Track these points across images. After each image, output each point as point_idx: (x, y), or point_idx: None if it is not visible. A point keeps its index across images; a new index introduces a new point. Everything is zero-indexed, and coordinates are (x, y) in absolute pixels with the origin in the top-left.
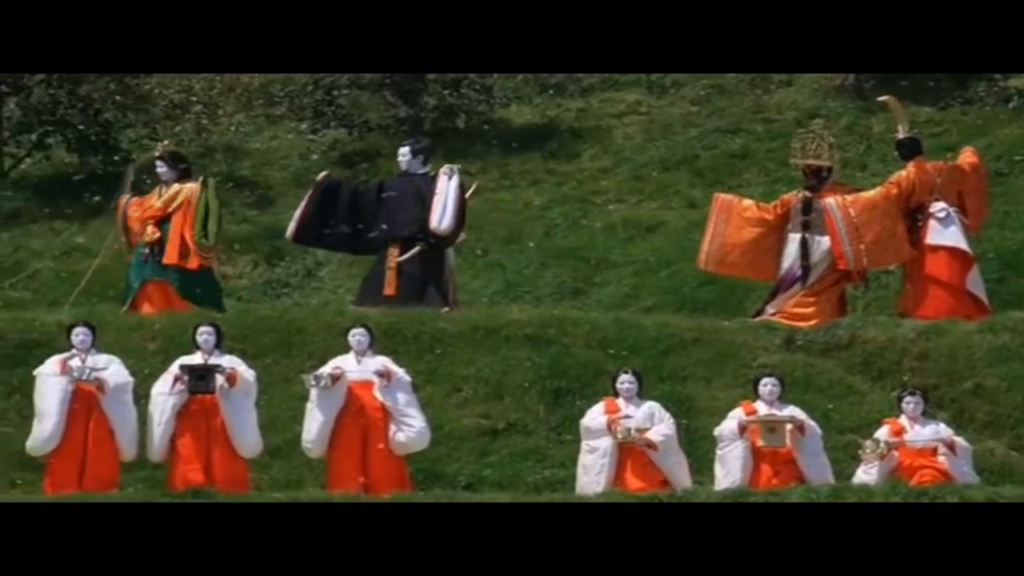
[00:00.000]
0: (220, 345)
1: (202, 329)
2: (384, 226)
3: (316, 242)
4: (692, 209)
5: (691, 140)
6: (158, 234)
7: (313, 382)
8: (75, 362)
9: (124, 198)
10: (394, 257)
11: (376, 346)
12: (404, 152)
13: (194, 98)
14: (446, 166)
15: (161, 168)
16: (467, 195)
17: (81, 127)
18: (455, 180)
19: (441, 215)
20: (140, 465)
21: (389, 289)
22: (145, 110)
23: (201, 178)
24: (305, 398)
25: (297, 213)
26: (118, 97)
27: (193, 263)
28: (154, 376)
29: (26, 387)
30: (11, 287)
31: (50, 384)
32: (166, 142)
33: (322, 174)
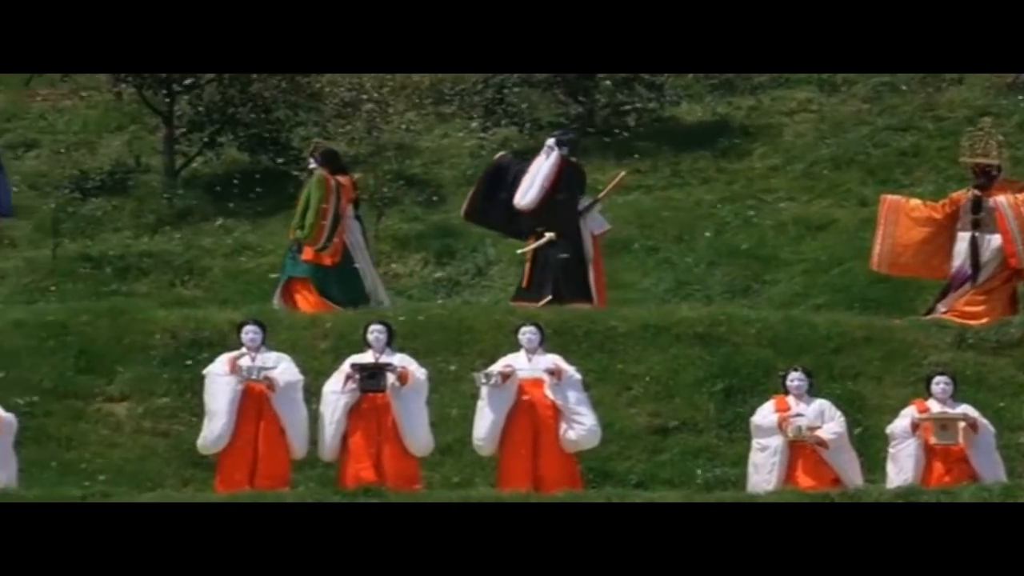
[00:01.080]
0: (391, 343)
1: (373, 327)
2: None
3: (481, 220)
4: (863, 207)
5: (862, 138)
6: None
7: (484, 380)
8: (245, 361)
9: None
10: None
11: (546, 344)
12: (550, 143)
13: (365, 96)
14: (551, 140)
15: (312, 165)
16: (611, 186)
17: (252, 126)
18: (552, 158)
19: (526, 190)
20: (311, 463)
21: (524, 282)
22: (316, 108)
23: (312, 166)
24: (476, 396)
25: (471, 191)
26: (289, 96)
27: (327, 260)
28: (325, 374)
29: (197, 386)
30: (182, 285)
31: (220, 383)
32: (317, 140)
33: (499, 153)
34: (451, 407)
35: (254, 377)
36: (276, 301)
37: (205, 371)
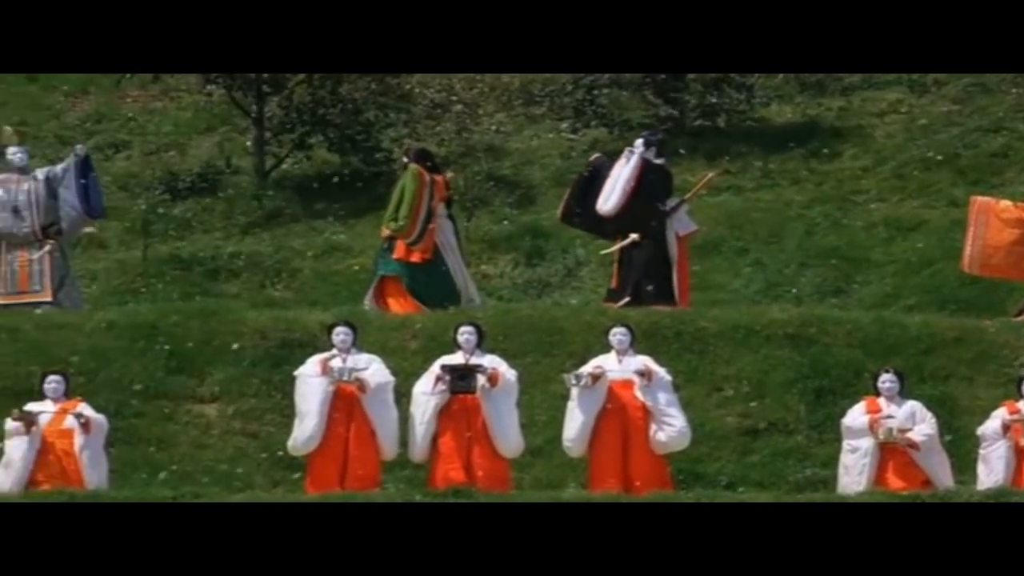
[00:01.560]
0: (481, 344)
1: (463, 329)
2: None
3: (576, 223)
4: (954, 208)
5: (952, 139)
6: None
7: (574, 381)
8: (336, 362)
9: None
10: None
11: (636, 345)
12: (638, 144)
13: (455, 98)
14: (638, 141)
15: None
16: (697, 187)
17: (342, 127)
18: (633, 161)
19: (608, 196)
20: (401, 464)
21: (614, 283)
22: (406, 110)
23: (405, 161)
24: (566, 397)
25: (566, 194)
26: (379, 97)
27: (416, 256)
28: (415, 375)
29: (287, 387)
30: (272, 287)
31: (311, 384)
32: (407, 142)
33: (594, 155)
34: (541, 408)
35: (345, 378)
36: (368, 302)
37: (296, 372)
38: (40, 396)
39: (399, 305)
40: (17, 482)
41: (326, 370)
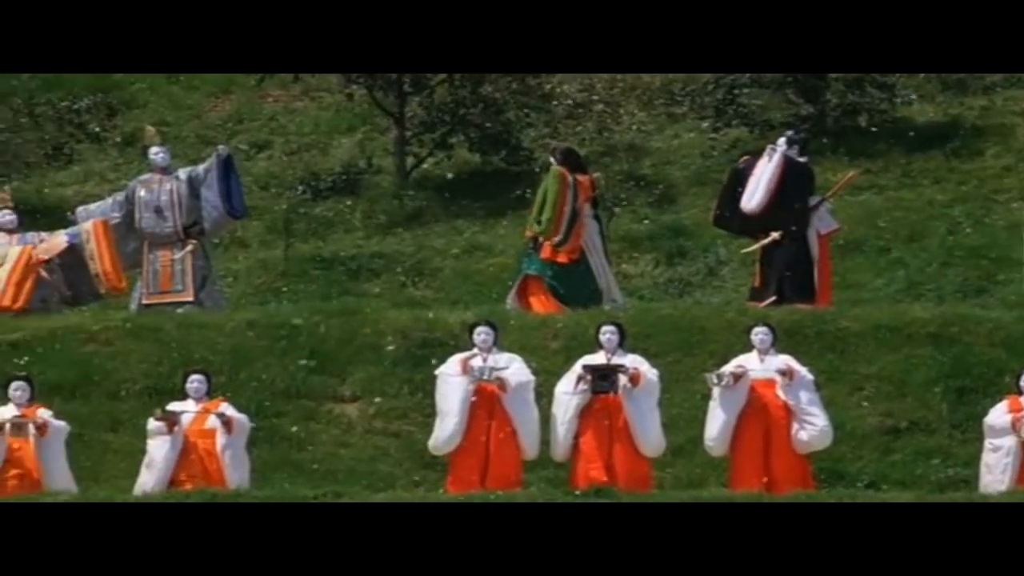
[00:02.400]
0: (623, 344)
1: (605, 328)
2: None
3: (728, 226)
4: None
5: None
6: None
7: (716, 380)
8: (476, 362)
9: None
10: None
11: (778, 345)
12: (781, 142)
13: (595, 97)
14: (781, 139)
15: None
16: (838, 185)
17: (483, 126)
18: (775, 160)
19: (752, 193)
20: (543, 464)
21: (757, 281)
22: (547, 109)
23: (551, 162)
24: (707, 396)
25: (718, 197)
26: (520, 96)
27: (563, 257)
28: (556, 375)
29: (428, 386)
30: (413, 286)
31: (452, 384)
32: (553, 142)
33: (744, 157)
34: (683, 407)
35: (486, 378)
36: (510, 301)
37: (437, 371)
38: (182, 396)
39: (541, 304)
40: (159, 482)
41: (467, 369)
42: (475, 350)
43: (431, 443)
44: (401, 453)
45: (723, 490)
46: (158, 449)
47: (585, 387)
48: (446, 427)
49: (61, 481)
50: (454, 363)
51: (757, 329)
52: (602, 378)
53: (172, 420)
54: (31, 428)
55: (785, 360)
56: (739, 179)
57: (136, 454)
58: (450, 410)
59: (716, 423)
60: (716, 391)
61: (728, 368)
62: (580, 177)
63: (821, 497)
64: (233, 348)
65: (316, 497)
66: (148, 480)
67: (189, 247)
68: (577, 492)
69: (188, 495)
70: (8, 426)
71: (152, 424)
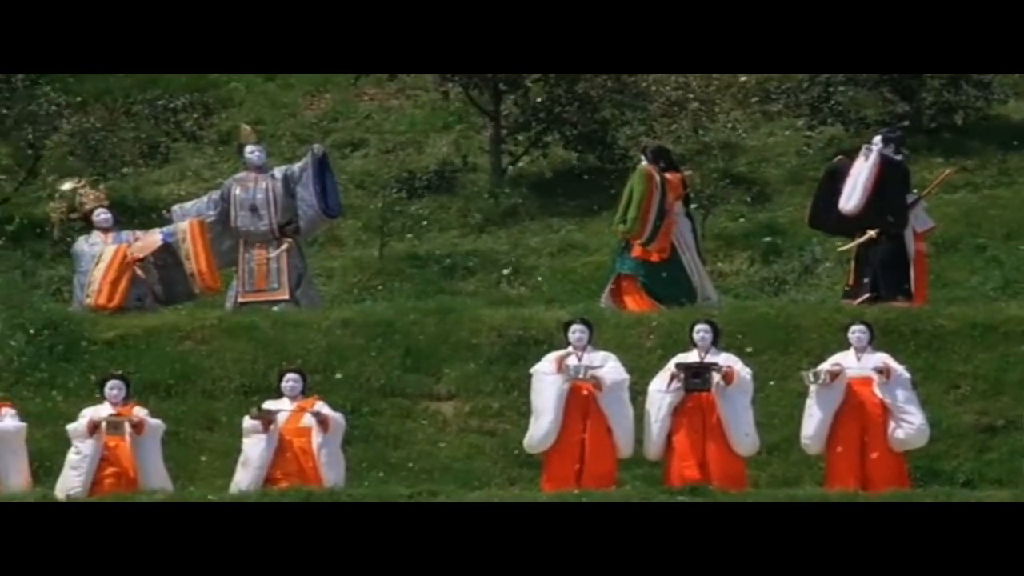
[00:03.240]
0: (717, 342)
1: (698, 327)
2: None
3: (825, 227)
4: None
5: None
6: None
7: (812, 379)
8: (572, 360)
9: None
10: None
11: (875, 342)
12: (876, 140)
13: (691, 95)
14: (877, 137)
15: (643, 162)
16: (935, 183)
17: (578, 124)
18: (872, 159)
19: (849, 194)
20: (638, 462)
21: (851, 280)
22: (642, 107)
23: (643, 161)
24: (803, 395)
25: (812, 198)
26: (615, 95)
27: (654, 256)
28: (651, 373)
29: (523, 384)
30: (508, 284)
31: (547, 382)
32: (644, 140)
33: (838, 157)
34: (778, 406)
35: (581, 376)
36: (604, 300)
37: (532, 370)
38: (278, 394)
39: (635, 303)
40: (255, 481)
41: (562, 368)
42: (570, 348)
43: (526, 441)
44: (496, 451)
45: (819, 489)
46: (254, 447)
47: (678, 385)
48: (541, 426)
49: (157, 480)
50: (549, 361)
51: (854, 327)
52: (695, 376)
53: (268, 418)
54: (127, 427)
55: (882, 358)
56: (834, 179)
57: (231, 453)
58: (545, 408)
59: (813, 421)
60: (813, 389)
61: (825, 366)
62: (670, 175)
63: (917, 496)
64: (329, 347)
65: (411, 496)
66: (244, 479)
67: (284, 246)
68: (673, 490)
69: (283, 494)
70: (104, 424)
71: (248, 422)
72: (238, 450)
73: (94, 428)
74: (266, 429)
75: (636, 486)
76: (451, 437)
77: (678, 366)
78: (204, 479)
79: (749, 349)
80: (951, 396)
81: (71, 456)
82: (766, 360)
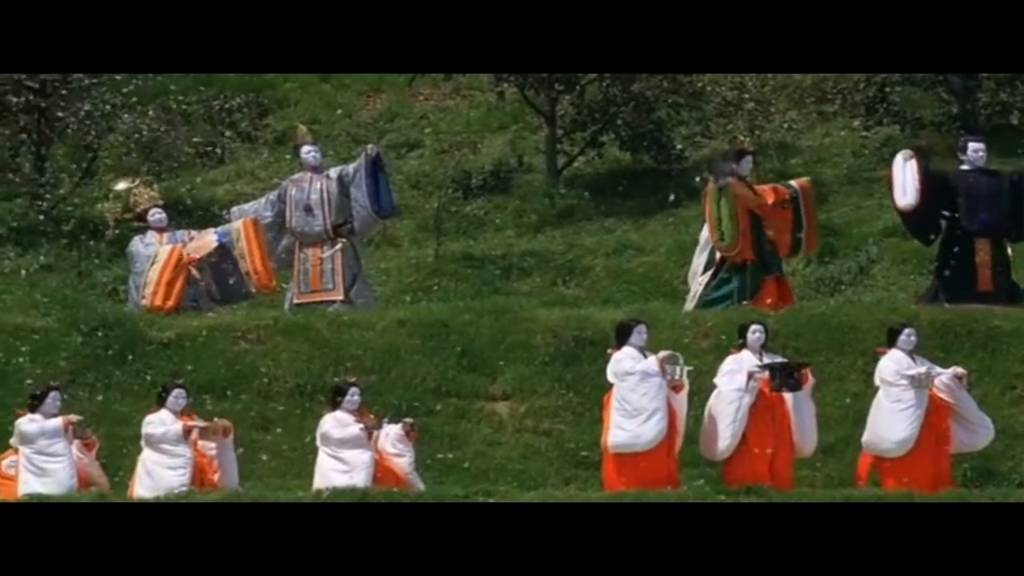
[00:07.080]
0: (767, 344)
1: (754, 327)
2: (965, 220)
3: (920, 232)
4: None
5: None
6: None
7: (919, 382)
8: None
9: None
10: (985, 252)
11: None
12: (967, 145)
13: (747, 95)
14: (906, 151)
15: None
16: None
17: (634, 125)
18: (910, 162)
19: (901, 194)
20: (692, 462)
21: (985, 284)
22: (698, 107)
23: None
24: (858, 395)
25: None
26: (671, 95)
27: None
28: (707, 373)
29: (579, 385)
30: (564, 285)
31: (654, 383)
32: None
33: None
34: (833, 406)
35: (678, 377)
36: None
37: (634, 369)
38: (333, 397)
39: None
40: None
41: (664, 370)
42: (663, 350)
43: (634, 441)
44: (552, 452)
45: (876, 489)
46: (357, 456)
47: (755, 384)
48: (651, 426)
49: (233, 480)
50: (654, 363)
51: (907, 330)
52: (790, 376)
53: (374, 428)
54: (218, 434)
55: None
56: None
57: (286, 452)
58: (655, 408)
59: (908, 425)
60: (902, 393)
61: (921, 369)
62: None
63: (973, 497)
64: (384, 347)
65: (467, 496)
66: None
67: (339, 246)
68: (731, 491)
69: (338, 494)
70: (196, 431)
71: (355, 430)
72: (293, 450)
73: (187, 434)
74: (369, 438)
75: (693, 487)
76: (507, 437)
77: (770, 367)
78: (259, 479)
79: (805, 350)
80: (1007, 397)
81: (161, 458)
82: (821, 361)
